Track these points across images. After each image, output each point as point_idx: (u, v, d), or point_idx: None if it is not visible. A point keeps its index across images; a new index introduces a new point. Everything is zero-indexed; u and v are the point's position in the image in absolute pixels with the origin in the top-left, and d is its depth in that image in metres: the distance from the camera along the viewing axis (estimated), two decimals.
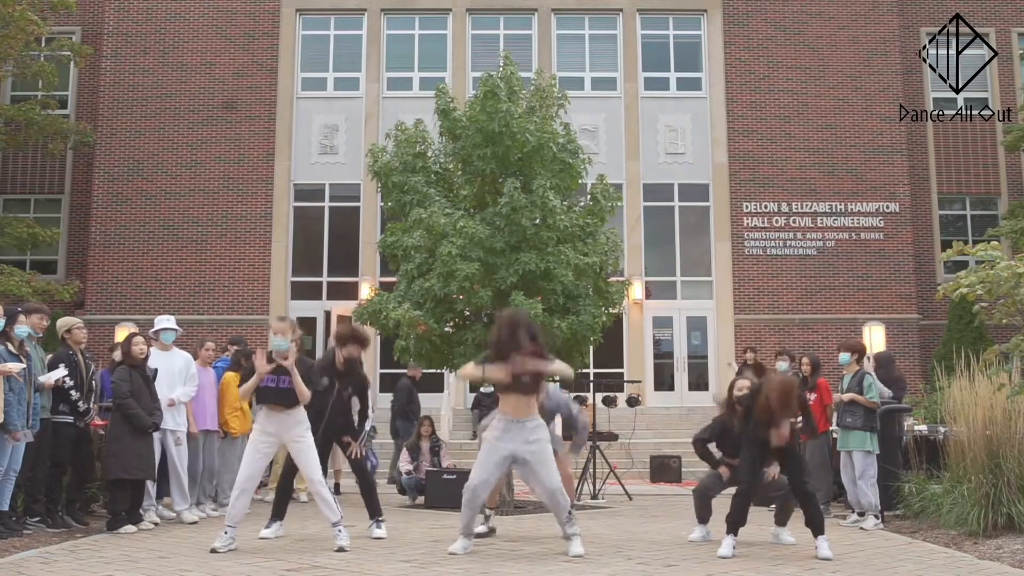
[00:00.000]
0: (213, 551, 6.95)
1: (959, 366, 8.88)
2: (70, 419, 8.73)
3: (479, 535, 7.80)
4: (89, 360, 9.16)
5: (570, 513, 7.13)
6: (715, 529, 8.01)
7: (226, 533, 7.11)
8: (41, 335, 8.75)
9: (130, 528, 8.47)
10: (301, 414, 7.45)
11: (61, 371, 8.52)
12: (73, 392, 8.67)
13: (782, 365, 11.52)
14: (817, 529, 7.20)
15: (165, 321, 9.95)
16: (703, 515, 8.24)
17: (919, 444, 11.04)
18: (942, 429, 10.40)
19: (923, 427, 11.65)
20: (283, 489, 8.34)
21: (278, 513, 8.19)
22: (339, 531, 7.30)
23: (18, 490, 8.17)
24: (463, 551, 7.05)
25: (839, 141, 23.02)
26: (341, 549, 7.12)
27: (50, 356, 8.98)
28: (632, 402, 14.20)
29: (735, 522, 7.29)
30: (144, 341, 9.20)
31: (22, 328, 8.12)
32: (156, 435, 9.19)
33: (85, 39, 24.11)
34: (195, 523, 9.23)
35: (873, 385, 9.75)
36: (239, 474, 7.46)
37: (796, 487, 7.39)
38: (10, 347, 7.91)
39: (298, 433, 7.42)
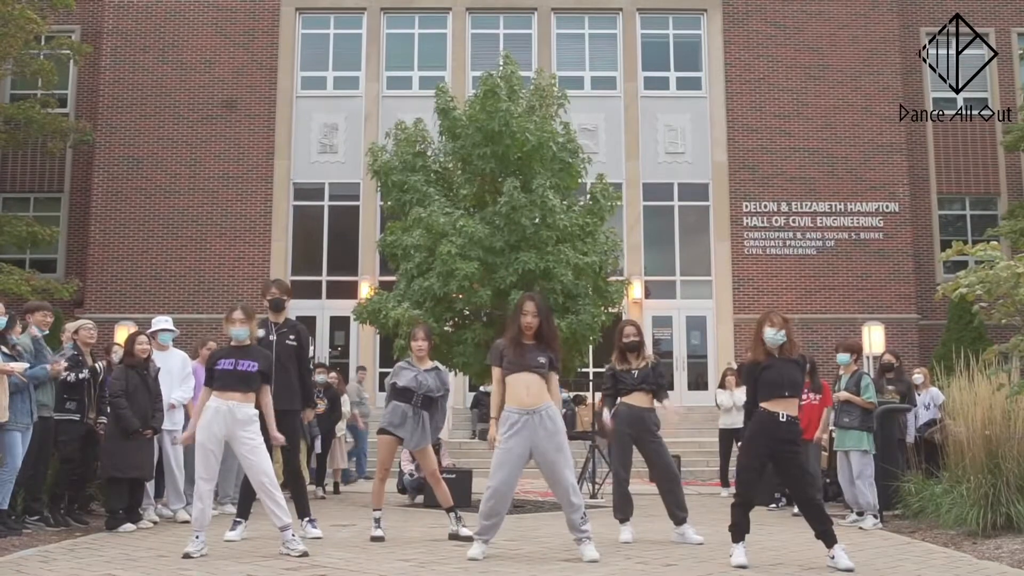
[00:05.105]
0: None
1: (959, 366, 8.88)
2: (76, 416, 8.71)
3: (374, 538, 7.61)
4: (92, 359, 9.15)
5: (584, 514, 6.63)
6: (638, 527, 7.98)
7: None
8: (46, 332, 8.71)
9: (129, 527, 8.45)
10: (253, 412, 6.93)
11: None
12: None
13: None
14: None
15: (163, 322, 9.94)
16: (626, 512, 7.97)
17: (919, 444, 11.07)
18: None
19: None
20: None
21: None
22: (291, 535, 6.78)
23: (19, 489, 8.16)
24: (482, 556, 6.60)
25: (839, 141, 23.02)
26: (304, 554, 6.64)
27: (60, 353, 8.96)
28: None
29: (739, 530, 6.53)
30: (147, 340, 9.16)
31: (17, 336, 8.08)
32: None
33: (84, 37, 24.10)
34: (187, 522, 9.18)
35: (870, 385, 9.75)
36: (203, 488, 6.89)
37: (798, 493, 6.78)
38: (4, 348, 7.89)
39: (247, 433, 6.84)
